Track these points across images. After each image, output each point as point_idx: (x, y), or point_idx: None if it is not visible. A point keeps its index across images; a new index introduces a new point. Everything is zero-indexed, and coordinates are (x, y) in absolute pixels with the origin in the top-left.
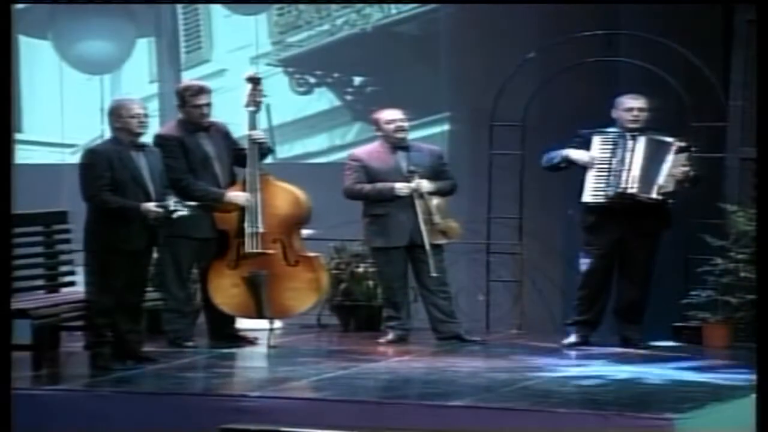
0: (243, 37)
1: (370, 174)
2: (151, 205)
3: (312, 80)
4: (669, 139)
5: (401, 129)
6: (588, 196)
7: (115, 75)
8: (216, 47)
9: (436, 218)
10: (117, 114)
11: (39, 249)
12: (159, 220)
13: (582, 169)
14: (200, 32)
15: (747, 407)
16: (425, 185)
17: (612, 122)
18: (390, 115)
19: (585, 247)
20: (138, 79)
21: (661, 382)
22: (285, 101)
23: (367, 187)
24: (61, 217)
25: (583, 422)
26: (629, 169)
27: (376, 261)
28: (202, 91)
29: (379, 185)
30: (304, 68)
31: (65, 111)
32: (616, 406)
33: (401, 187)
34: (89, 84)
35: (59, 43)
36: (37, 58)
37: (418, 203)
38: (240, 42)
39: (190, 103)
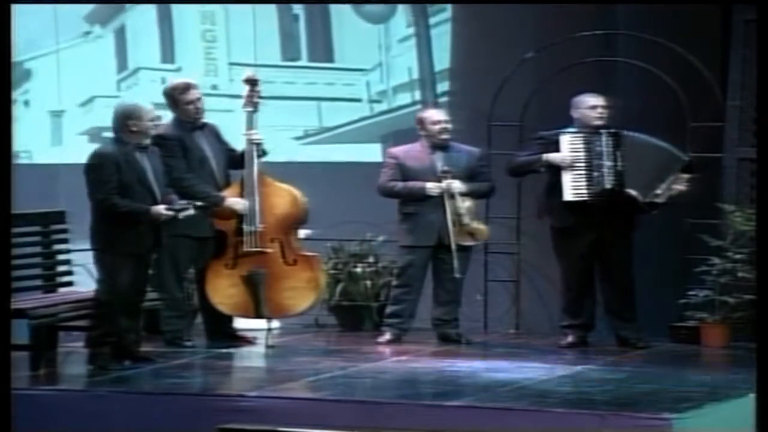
0: None
1: (405, 172)
2: (161, 208)
3: None
4: (683, 156)
5: (446, 130)
6: (570, 195)
7: None
8: None
9: (465, 219)
10: (136, 117)
11: (37, 249)
12: (167, 223)
13: (552, 171)
14: None
15: (744, 407)
16: (456, 186)
17: (570, 122)
18: (436, 115)
19: (558, 249)
20: None
21: (658, 381)
22: None
23: (399, 185)
24: (59, 216)
25: (581, 422)
26: (614, 166)
27: (401, 258)
28: (189, 87)
29: (411, 184)
30: None
31: None
32: (613, 406)
33: (432, 187)
34: None
35: None
36: None
37: (448, 203)
38: None
39: (182, 102)
